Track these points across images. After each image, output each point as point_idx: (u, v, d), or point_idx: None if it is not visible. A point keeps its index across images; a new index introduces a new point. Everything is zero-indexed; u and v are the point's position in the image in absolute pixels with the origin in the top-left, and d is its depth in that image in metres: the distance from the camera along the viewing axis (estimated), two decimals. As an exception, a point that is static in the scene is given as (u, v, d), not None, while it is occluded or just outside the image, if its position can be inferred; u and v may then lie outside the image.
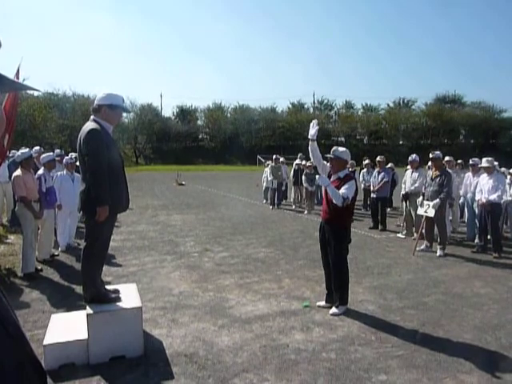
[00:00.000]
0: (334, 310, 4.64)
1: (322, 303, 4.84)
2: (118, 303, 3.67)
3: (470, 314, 4.65)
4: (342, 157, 4.72)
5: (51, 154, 7.59)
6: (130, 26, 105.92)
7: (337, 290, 4.69)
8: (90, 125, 3.62)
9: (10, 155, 9.14)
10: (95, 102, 3.70)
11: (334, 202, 4.51)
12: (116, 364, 3.45)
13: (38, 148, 9.13)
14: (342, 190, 4.52)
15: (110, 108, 3.66)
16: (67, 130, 42.17)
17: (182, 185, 21.13)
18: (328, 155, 4.84)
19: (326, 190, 4.70)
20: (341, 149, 4.77)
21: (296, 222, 10.95)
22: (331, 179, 4.75)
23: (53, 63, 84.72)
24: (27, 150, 6.56)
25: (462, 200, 9.03)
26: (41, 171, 6.59)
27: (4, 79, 0.74)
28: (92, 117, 3.70)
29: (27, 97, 38.08)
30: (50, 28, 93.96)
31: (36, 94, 44.00)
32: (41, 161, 7.02)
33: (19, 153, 6.34)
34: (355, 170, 13.24)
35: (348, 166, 5.07)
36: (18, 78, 8.45)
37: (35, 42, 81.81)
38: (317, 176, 4.70)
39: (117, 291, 3.87)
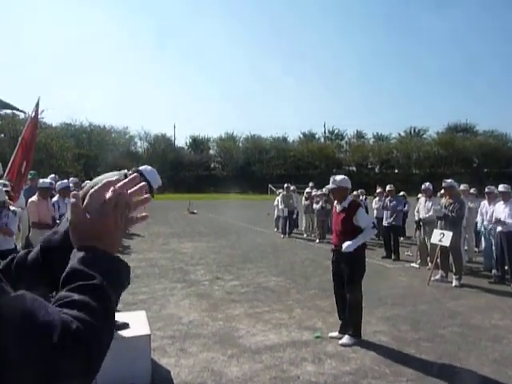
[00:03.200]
0: (344, 340, 4.52)
1: (335, 334, 4.71)
2: (126, 331, 3.64)
3: (488, 347, 4.48)
4: (343, 185, 4.70)
5: (65, 181, 7.75)
6: (144, 58, 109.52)
7: (350, 320, 4.58)
8: (119, 176, 3.69)
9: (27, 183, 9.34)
10: (139, 168, 3.81)
11: (367, 238, 4.64)
12: (123, 394, 3.39)
13: (52, 176, 9.33)
14: (363, 223, 4.55)
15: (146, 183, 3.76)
16: (83, 159, 43.13)
17: (194, 213, 21.21)
18: (328, 186, 4.86)
19: (338, 220, 4.70)
20: (339, 177, 4.74)
21: (307, 250, 10.85)
22: (337, 210, 4.74)
23: (70, 95, 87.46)
24: (49, 180, 6.77)
25: (479, 228, 8.84)
26: (55, 198, 6.71)
27: None
28: (126, 172, 3.80)
29: (45, 127, 39.25)
30: (66, 60, 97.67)
31: (54, 124, 45.38)
32: (56, 188, 7.16)
33: (41, 181, 6.55)
34: (366, 198, 13.22)
35: (359, 195, 5.11)
36: (37, 108, 8.75)
37: (53, 74, 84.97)
38: (346, 243, 4.53)
39: (126, 325, 3.80)
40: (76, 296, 0.69)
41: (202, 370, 3.87)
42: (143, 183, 0.87)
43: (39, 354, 0.60)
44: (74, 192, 0.83)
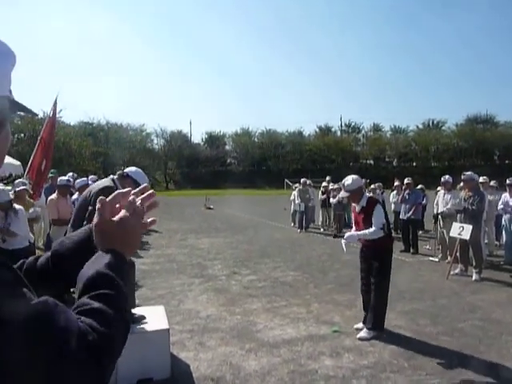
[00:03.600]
0: (363, 333, 4.52)
1: (360, 325, 4.72)
2: (145, 325, 3.71)
3: (509, 342, 4.40)
4: (355, 188, 4.68)
5: (84, 179, 7.90)
6: (161, 55, 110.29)
7: (373, 314, 4.57)
8: (108, 182, 3.70)
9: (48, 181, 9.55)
10: (125, 171, 3.84)
11: (376, 238, 4.52)
12: (143, 386, 3.45)
13: (70, 174, 9.52)
14: (374, 221, 4.52)
15: (135, 184, 3.59)
16: (101, 157, 43.83)
17: (211, 209, 21.34)
18: (341, 195, 4.90)
19: (359, 219, 4.69)
20: (347, 181, 4.70)
21: (324, 245, 10.81)
22: (357, 211, 4.74)
23: (87, 93, 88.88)
24: (66, 178, 6.92)
25: (503, 223, 8.64)
26: (75, 196, 6.85)
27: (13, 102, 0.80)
28: (113, 177, 3.83)
29: (63, 126, 39.96)
30: (83, 59, 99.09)
31: (72, 123, 46.17)
32: (75, 186, 7.31)
33: (59, 179, 6.71)
34: (383, 191, 13.07)
35: (376, 188, 5.08)
36: (55, 108, 8.92)
37: (71, 73, 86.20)
38: (343, 241, 4.73)
39: (142, 317, 3.86)
40: (96, 304, 0.70)
41: (221, 363, 3.91)
42: (152, 191, 0.92)
43: (52, 361, 0.61)
44: (102, 197, 0.86)
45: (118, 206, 0.87)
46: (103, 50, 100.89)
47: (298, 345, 4.33)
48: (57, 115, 11.48)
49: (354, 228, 4.95)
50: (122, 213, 0.84)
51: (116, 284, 0.74)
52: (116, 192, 0.88)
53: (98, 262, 0.77)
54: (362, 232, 4.56)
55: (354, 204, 4.83)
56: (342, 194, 4.85)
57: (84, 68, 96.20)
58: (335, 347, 4.27)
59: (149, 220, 0.93)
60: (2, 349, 0.58)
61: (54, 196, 6.24)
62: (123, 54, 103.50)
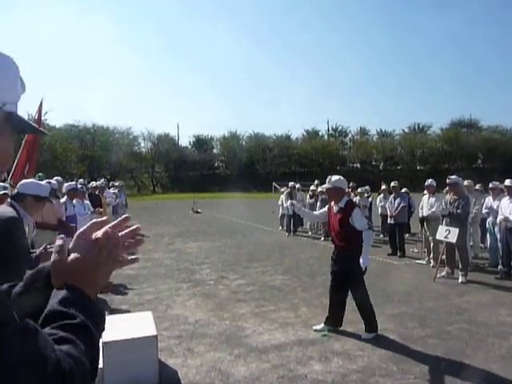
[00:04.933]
0: (365, 335, 4.62)
1: (320, 326, 4.81)
2: (133, 331, 3.65)
3: (496, 344, 4.46)
4: (337, 186, 4.76)
5: (73, 183, 7.79)
6: (147, 58, 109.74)
7: (365, 319, 4.68)
8: (9, 210, 2.75)
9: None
10: (19, 190, 3.23)
11: (370, 242, 4.65)
12: (131, 394, 3.39)
13: (55, 178, 9.36)
14: (358, 225, 4.58)
15: (36, 199, 3.28)
16: (87, 160, 43.31)
17: (198, 212, 21.22)
18: (324, 186, 4.93)
19: (335, 220, 4.73)
20: (334, 177, 4.80)
21: (312, 248, 10.83)
22: (334, 211, 4.78)
23: (73, 96, 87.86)
24: (55, 182, 6.85)
25: (487, 226, 8.76)
26: (63, 200, 6.75)
27: (24, 122, 0.78)
28: (10, 201, 3.18)
29: (48, 129, 39.39)
30: (69, 61, 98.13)
31: (58, 125, 45.60)
32: (63, 190, 7.21)
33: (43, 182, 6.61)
34: (370, 195, 13.17)
35: (364, 192, 5.12)
36: (40, 111, 8.80)
37: (56, 75, 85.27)
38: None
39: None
40: (62, 333, 0.68)
41: (210, 369, 3.88)
42: (136, 225, 0.88)
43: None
44: (62, 236, 0.83)
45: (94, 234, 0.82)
46: (90, 53, 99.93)
47: (287, 350, 4.32)
48: (42, 117, 11.31)
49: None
50: (83, 249, 0.79)
51: (73, 315, 0.71)
52: (91, 223, 0.83)
53: (51, 301, 0.73)
54: (365, 248, 4.60)
55: (331, 204, 4.88)
56: (326, 185, 4.95)
57: (70, 70, 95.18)
58: (324, 352, 4.26)
59: (130, 257, 0.87)
60: None
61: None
62: (110, 56, 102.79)
